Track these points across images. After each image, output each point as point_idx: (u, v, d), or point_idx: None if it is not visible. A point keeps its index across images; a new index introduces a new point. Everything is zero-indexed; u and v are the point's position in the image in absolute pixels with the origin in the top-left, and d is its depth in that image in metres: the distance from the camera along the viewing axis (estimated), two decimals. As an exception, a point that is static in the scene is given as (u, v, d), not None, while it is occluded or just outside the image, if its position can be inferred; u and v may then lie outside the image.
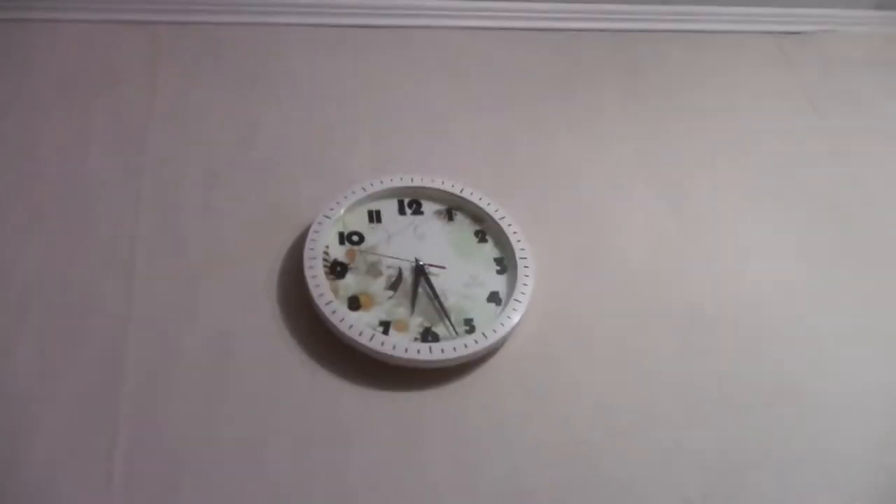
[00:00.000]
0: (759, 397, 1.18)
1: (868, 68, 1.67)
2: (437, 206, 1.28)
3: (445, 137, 1.41)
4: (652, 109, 1.52)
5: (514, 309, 1.16)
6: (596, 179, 1.40)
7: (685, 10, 1.66)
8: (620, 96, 1.52)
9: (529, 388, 1.15)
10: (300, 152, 1.34)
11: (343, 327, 1.10)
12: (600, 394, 1.16)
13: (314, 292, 1.12)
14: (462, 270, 1.20)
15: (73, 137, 1.29)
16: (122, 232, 1.20)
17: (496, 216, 1.25)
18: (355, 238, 1.22)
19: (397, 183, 1.27)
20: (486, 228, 1.26)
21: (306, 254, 1.16)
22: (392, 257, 1.20)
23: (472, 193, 1.27)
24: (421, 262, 1.20)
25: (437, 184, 1.28)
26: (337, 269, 1.18)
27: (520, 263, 1.20)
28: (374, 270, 1.19)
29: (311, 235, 1.18)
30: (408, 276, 1.19)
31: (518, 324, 1.15)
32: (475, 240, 1.25)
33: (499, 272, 1.21)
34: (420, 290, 1.17)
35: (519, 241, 1.23)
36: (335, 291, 1.14)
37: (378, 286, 1.17)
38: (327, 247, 1.19)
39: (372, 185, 1.26)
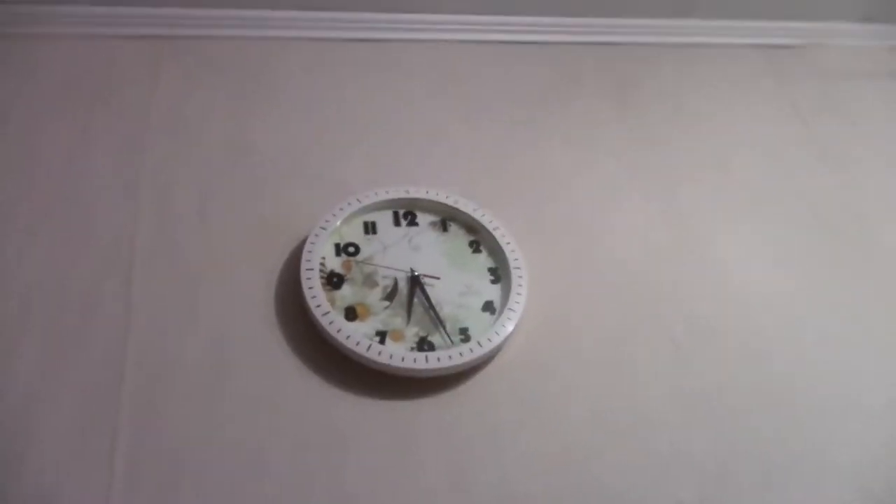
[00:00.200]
0: (751, 404, 1.20)
1: (856, 81, 1.69)
2: (432, 217, 1.29)
3: (439, 149, 1.42)
4: (643, 121, 1.53)
5: (508, 318, 1.17)
6: (588, 190, 1.41)
7: (676, 23, 1.68)
8: (612, 108, 1.54)
9: (523, 396, 1.16)
10: (296, 164, 1.35)
11: (340, 338, 1.11)
12: (593, 401, 1.17)
13: (311, 303, 1.14)
14: (457, 280, 1.22)
15: (74, 148, 1.31)
16: (121, 241, 1.21)
17: (490, 227, 1.26)
18: (351, 249, 1.23)
19: (392, 195, 1.28)
20: (479, 239, 1.27)
21: (303, 265, 1.17)
22: (388, 267, 1.21)
23: (465, 204, 1.28)
24: (416, 273, 1.21)
25: (431, 195, 1.29)
26: (333, 280, 1.19)
27: (513, 273, 1.21)
28: (370, 281, 1.20)
29: (307, 247, 1.19)
30: (403, 286, 1.20)
31: (512, 332, 1.16)
32: (469, 250, 1.26)
33: (493, 282, 1.23)
34: (416, 300, 1.19)
35: (512, 251, 1.24)
36: (332, 302, 1.16)
37: (374, 296, 1.18)
38: (324, 258, 1.20)
39: (367, 196, 1.27)
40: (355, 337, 1.11)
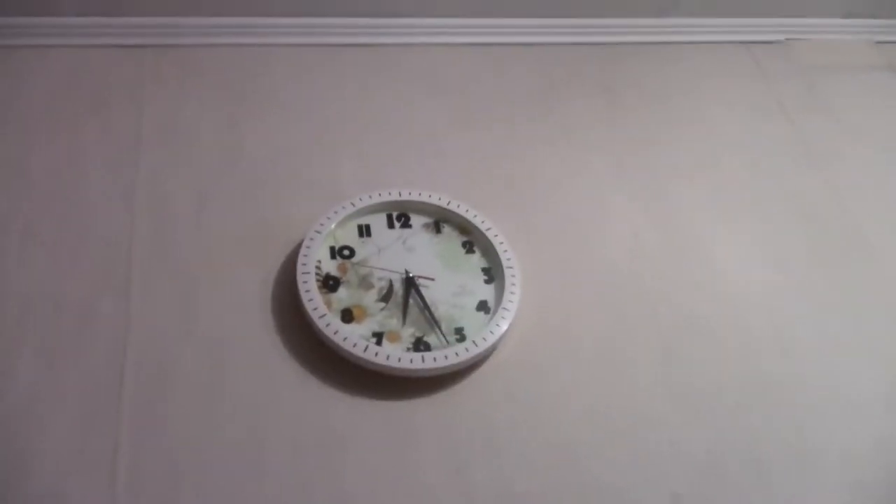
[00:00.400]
0: (744, 401, 1.21)
1: (839, 75, 1.71)
2: (425, 219, 1.30)
3: (431, 152, 1.43)
4: (631, 121, 1.54)
5: (502, 317, 1.18)
6: (578, 190, 1.43)
7: (659, 22, 1.70)
8: (601, 109, 1.55)
9: (518, 395, 1.17)
10: (289, 170, 1.36)
11: (337, 339, 1.12)
12: (588, 398, 1.18)
13: (308, 306, 1.15)
14: (451, 281, 1.23)
15: (65, 159, 1.31)
16: (118, 246, 1.22)
17: (482, 227, 1.28)
18: (346, 252, 1.24)
19: (385, 197, 1.29)
20: (473, 240, 1.29)
21: (299, 268, 1.18)
22: (383, 269, 1.23)
23: (458, 206, 1.30)
24: (411, 274, 1.22)
25: (424, 197, 1.30)
26: (329, 283, 1.20)
27: (506, 273, 1.23)
28: (365, 283, 1.21)
29: (303, 251, 1.20)
30: (398, 287, 1.21)
31: (507, 331, 1.18)
32: (463, 251, 1.28)
33: (486, 282, 1.24)
34: (411, 300, 1.20)
35: (505, 251, 1.25)
36: (328, 304, 1.17)
37: (370, 298, 1.20)
38: (319, 261, 1.21)
39: (361, 200, 1.28)
40: (352, 338, 1.13)
